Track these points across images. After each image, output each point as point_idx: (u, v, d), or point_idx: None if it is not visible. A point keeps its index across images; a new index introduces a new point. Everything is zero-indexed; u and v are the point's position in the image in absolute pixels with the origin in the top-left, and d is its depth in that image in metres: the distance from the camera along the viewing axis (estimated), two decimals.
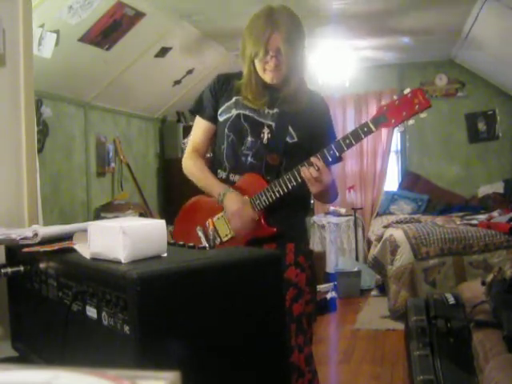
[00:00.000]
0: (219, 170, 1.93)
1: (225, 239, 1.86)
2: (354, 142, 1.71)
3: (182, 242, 1.31)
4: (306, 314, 1.85)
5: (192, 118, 2.16)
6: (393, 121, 1.69)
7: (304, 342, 1.82)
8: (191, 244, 1.28)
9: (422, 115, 1.69)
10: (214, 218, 1.89)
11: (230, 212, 1.82)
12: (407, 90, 1.69)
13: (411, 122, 1.70)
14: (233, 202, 1.81)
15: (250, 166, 1.85)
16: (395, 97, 1.71)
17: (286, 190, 1.76)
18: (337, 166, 2.06)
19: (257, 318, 1.12)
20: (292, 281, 1.83)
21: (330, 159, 1.72)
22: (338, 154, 1.72)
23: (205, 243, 1.86)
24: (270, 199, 1.79)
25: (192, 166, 1.97)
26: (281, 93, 1.85)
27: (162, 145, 6.08)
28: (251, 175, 1.85)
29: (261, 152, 1.84)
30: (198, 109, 1.99)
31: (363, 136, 1.72)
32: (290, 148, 1.83)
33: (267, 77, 1.81)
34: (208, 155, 2.04)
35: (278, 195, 1.78)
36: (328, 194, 1.87)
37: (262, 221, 1.81)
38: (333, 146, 1.72)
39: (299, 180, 1.75)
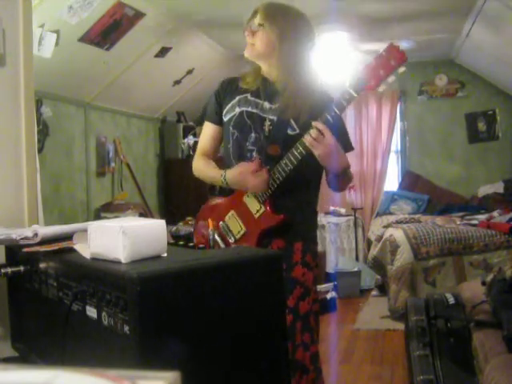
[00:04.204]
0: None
1: (238, 236, 1.88)
2: (339, 112, 1.71)
3: (182, 242, 1.32)
4: (314, 313, 1.87)
5: (194, 120, 2.22)
6: (372, 82, 1.67)
7: (311, 341, 1.84)
8: (191, 244, 1.28)
9: (401, 70, 1.67)
10: (226, 218, 1.92)
11: (237, 173, 1.84)
12: (382, 49, 1.68)
13: (391, 79, 1.68)
14: (233, 170, 1.87)
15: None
16: (372, 59, 1.69)
17: (284, 175, 1.78)
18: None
19: (257, 317, 1.12)
20: (299, 280, 1.84)
21: (331, 120, 1.71)
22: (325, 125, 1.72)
23: (222, 245, 1.89)
24: (272, 187, 1.81)
25: (199, 165, 2.03)
26: (282, 89, 1.88)
27: (162, 145, 6.07)
28: None
29: (264, 146, 1.87)
30: (204, 114, 2.08)
31: (345, 104, 1.70)
32: (291, 139, 1.83)
33: (245, 53, 1.91)
34: (220, 154, 2.08)
35: (278, 182, 1.79)
36: (335, 161, 1.81)
37: (268, 209, 1.83)
38: (326, 115, 1.71)
39: (295, 162, 1.75)
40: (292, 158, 1.76)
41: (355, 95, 1.68)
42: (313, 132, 1.70)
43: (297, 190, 1.87)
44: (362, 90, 1.69)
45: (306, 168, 1.80)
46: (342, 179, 1.94)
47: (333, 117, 1.70)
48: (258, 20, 1.87)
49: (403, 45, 5.20)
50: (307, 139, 1.71)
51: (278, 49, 1.86)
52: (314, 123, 1.71)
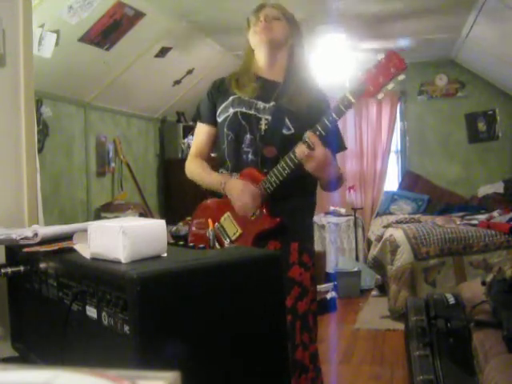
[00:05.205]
0: (222, 170, 1.95)
1: (233, 238, 1.88)
2: (337, 118, 1.71)
3: (182, 242, 1.32)
4: (312, 312, 1.87)
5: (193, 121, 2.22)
6: (371, 88, 1.68)
7: (309, 340, 1.84)
8: (191, 244, 1.28)
9: (400, 77, 1.68)
10: (221, 219, 1.91)
11: (236, 191, 1.82)
12: (381, 56, 1.68)
13: (391, 86, 1.69)
14: (235, 183, 1.84)
15: (251, 163, 1.87)
16: (371, 66, 1.69)
17: (281, 179, 1.77)
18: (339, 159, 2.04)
19: (257, 317, 1.12)
20: (296, 279, 1.84)
21: (324, 133, 1.70)
22: (323, 132, 1.70)
23: (217, 246, 1.88)
24: (269, 190, 1.80)
25: (193, 167, 2.02)
26: (278, 88, 1.88)
27: (162, 145, 6.08)
28: (248, 170, 1.86)
29: (259, 147, 1.86)
30: (197, 115, 2.07)
31: (345, 110, 1.70)
32: (287, 140, 1.83)
33: (258, 38, 1.89)
34: (212, 154, 2.07)
35: (275, 185, 1.79)
36: (326, 173, 1.80)
37: (265, 212, 1.82)
38: (324, 120, 1.71)
39: (292, 166, 1.75)
40: (289, 162, 1.75)
41: (353, 101, 1.69)
42: (304, 147, 1.69)
43: (294, 193, 1.86)
44: (360, 96, 1.70)
45: (304, 170, 1.80)
46: (335, 184, 1.96)
47: (331, 122, 1.71)
48: (272, 12, 1.89)
49: (403, 44, 5.21)
50: (298, 153, 1.71)
51: (290, 43, 1.91)
52: (307, 134, 1.69)
